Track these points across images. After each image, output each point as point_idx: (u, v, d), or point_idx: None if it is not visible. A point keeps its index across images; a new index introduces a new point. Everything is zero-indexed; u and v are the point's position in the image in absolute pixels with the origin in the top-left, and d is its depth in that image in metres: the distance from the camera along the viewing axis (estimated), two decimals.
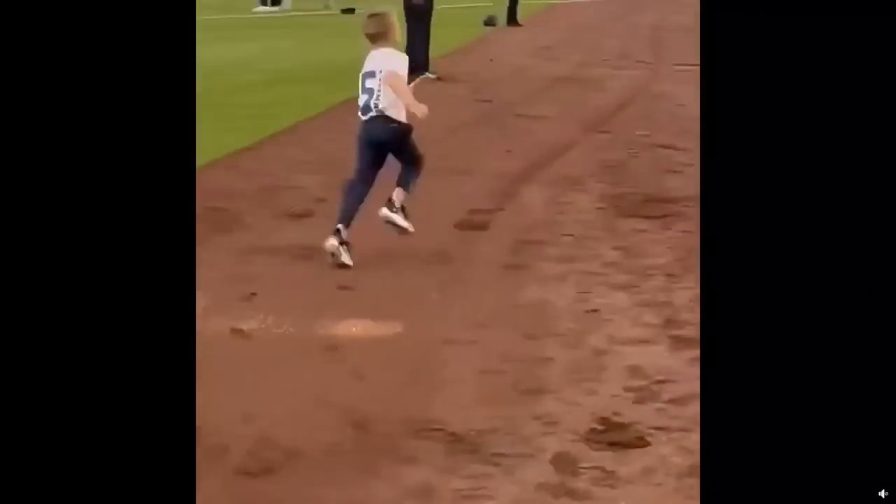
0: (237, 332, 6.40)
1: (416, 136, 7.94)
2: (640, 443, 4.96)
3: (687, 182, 10.27)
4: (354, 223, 7.68)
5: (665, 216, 9.10)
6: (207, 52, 16.95)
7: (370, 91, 7.74)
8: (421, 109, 7.61)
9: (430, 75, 16.75)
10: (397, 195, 7.90)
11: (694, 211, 9.11)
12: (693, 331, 6.19)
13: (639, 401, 5.44)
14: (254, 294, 7.06)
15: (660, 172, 10.76)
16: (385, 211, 7.88)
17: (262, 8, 35.27)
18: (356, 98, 7.84)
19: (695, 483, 4.17)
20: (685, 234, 8.56)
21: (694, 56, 20.20)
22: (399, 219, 7.91)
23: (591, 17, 30.00)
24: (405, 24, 15.91)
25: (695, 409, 4.77)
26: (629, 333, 6.41)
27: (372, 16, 7.94)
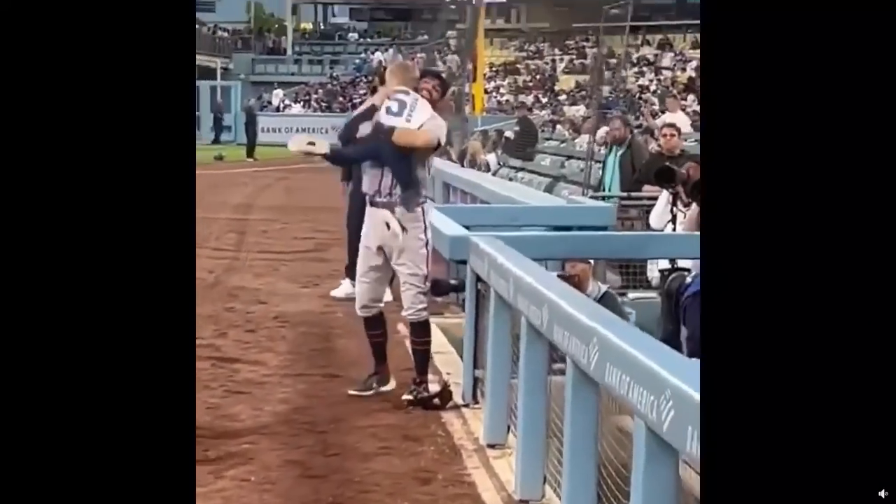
0: None
1: None
2: None
3: (255, 408, 8.87)
4: None
5: (219, 459, 7.63)
6: None
7: None
8: None
9: None
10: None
11: (258, 449, 7.82)
12: None
13: None
14: None
15: (221, 395, 9.26)
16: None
17: None
18: None
19: None
20: (243, 484, 7.16)
21: (283, 242, 19.14)
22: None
23: None
24: None
25: None
26: None
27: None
